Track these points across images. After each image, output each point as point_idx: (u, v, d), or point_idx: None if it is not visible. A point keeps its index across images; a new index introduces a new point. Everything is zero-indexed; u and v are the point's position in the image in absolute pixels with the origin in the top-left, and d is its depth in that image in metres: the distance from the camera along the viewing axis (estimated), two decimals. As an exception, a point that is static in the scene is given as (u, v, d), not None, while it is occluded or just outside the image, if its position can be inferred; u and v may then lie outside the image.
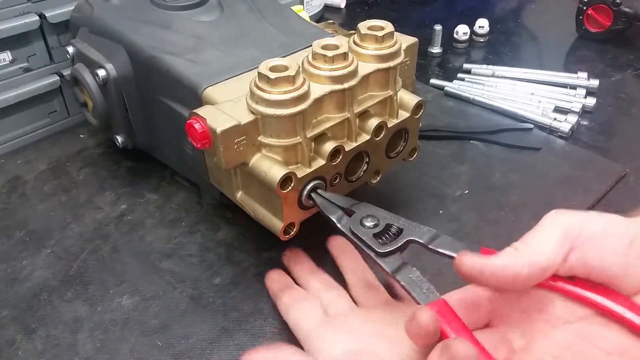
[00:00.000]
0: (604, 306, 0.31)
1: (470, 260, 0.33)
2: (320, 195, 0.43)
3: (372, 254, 0.38)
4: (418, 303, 0.34)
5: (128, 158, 0.63)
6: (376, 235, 0.38)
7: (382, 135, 0.46)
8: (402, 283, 0.36)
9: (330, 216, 0.41)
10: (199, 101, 0.45)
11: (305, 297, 0.43)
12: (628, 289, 0.31)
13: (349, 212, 0.41)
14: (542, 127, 0.68)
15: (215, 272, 0.50)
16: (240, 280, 0.49)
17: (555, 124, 0.67)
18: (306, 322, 0.41)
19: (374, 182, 0.50)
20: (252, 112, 0.41)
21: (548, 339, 0.32)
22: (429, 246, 0.37)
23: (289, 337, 0.44)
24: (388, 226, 0.39)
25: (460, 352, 0.29)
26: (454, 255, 0.35)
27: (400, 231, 0.38)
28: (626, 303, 0.30)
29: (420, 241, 0.37)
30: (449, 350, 0.29)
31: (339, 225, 0.41)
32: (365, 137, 0.45)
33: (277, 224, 0.43)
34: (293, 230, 0.44)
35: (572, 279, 0.32)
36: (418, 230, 0.38)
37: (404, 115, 0.48)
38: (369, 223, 0.39)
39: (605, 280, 0.31)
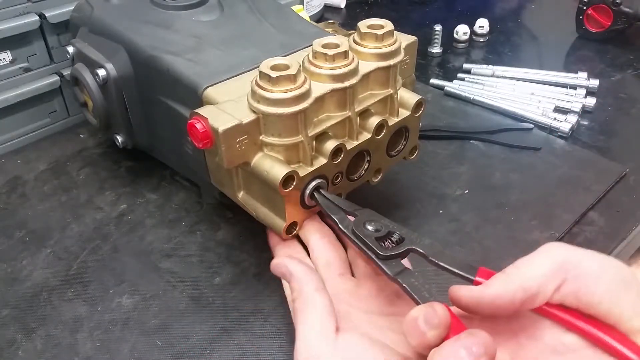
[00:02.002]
0: (597, 337, 0.31)
1: (466, 294, 0.33)
2: (324, 196, 0.43)
3: (373, 256, 0.38)
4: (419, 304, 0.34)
5: (128, 158, 0.63)
6: (378, 239, 0.38)
7: (382, 133, 0.46)
8: (403, 285, 0.36)
9: (332, 216, 0.41)
10: (200, 101, 0.45)
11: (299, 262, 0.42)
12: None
13: (351, 216, 0.41)
14: (542, 127, 0.68)
15: (215, 272, 0.50)
16: (240, 280, 0.49)
17: (555, 124, 0.67)
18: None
19: (375, 181, 0.50)
20: (254, 111, 0.41)
21: None
22: (429, 257, 0.37)
23: (289, 337, 0.44)
24: (390, 233, 0.39)
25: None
26: (453, 269, 0.35)
27: (402, 239, 0.39)
28: (617, 336, 0.31)
29: (421, 251, 0.37)
30: (476, 336, 0.29)
31: (341, 226, 0.40)
32: (366, 136, 0.45)
33: (279, 224, 0.43)
34: (295, 229, 0.44)
35: (563, 307, 0.33)
36: (420, 240, 0.38)
37: (404, 113, 0.48)
38: (371, 227, 0.39)
39: (592, 315, 0.32)
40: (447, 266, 0.36)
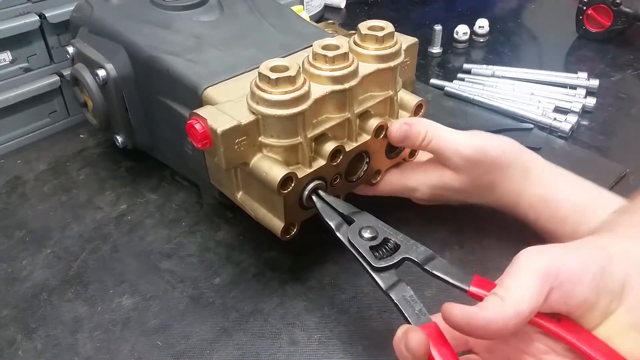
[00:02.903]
0: (587, 353, 0.31)
1: (458, 313, 0.32)
2: (322, 198, 0.43)
3: (367, 268, 0.38)
4: (409, 324, 0.34)
5: (128, 158, 0.63)
6: (373, 248, 0.39)
7: (382, 135, 0.46)
8: (395, 301, 0.36)
9: (329, 222, 0.41)
10: (199, 101, 0.45)
11: None
12: (595, 319, 0.32)
13: (348, 220, 0.41)
14: (542, 127, 0.68)
15: (215, 272, 0.50)
16: (240, 280, 0.49)
17: (555, 124, 0.67)
18: None
19: (375, 182, 0.50)
20: (253, 113, 0.41)
21: None
22: (424, 267, 0.37)
23: (289, 337, 0.44)
24: (386, 240, 0.39)
25: None
26: (447, 279, 0.36)
27: (397, 247, 0.39)
28: (608, 353, 0.31)
29: (416, 260, 0.38)
30: None
31: (337, 233, 0.41)
32: (365, 137, 0.45)
33: (277, 224, 0.43)
34: (293, 230, 0.44)
35: (554, 316, 0.33)
36: (415, 249, 0.38)
37: (404, 115, 0.48)
38: (367, 234, 0.40)
39: (582, 314, 0.32)
40: (441, 275, 0.36)
